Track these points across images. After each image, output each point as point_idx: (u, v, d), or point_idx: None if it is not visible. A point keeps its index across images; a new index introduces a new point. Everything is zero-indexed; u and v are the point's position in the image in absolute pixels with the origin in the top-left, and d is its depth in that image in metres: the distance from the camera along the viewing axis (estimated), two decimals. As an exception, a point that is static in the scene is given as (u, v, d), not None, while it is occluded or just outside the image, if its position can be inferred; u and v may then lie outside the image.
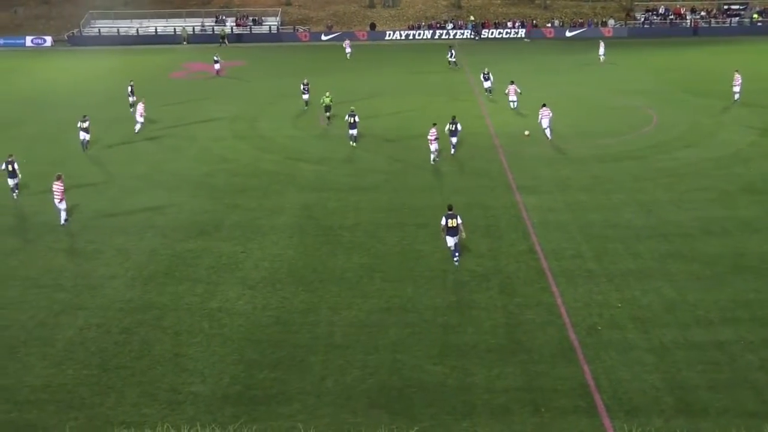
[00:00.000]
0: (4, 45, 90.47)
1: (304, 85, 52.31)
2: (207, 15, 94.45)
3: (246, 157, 41.33)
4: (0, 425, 17.87)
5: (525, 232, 29.47)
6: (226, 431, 15.67)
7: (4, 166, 34.46)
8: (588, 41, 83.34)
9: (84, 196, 34.84)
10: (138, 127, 46.27)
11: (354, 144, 42.88)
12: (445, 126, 39.83)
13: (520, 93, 50.62)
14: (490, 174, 37.02)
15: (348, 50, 78.42)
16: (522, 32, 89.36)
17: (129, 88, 53.32)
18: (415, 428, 17.18)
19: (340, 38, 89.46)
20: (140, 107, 46.87)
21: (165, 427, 16.00)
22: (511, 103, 50.74)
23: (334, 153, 41.57)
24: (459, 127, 40.38)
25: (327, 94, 46.76)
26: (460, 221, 26.27)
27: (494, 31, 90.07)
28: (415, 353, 21.04)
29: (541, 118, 42.69)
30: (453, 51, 70.05)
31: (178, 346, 21.64)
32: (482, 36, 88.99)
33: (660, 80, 61.84)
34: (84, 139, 43.09)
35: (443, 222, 26.43)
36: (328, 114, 46.81)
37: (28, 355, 21.28)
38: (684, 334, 21.63)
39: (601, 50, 70.99)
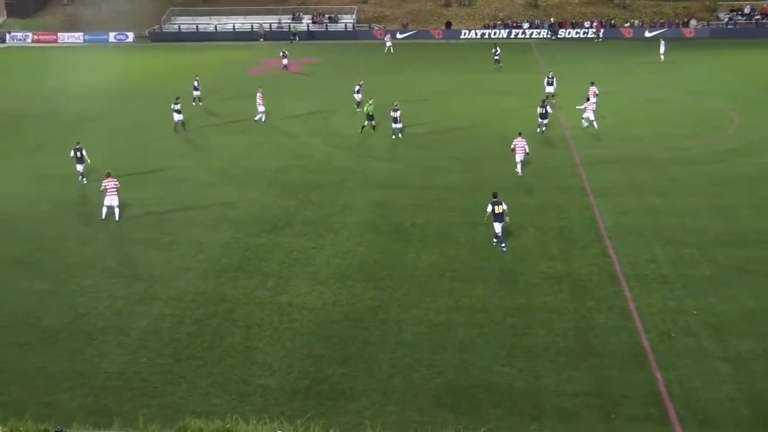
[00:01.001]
0: (89, 40, 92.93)
1: (359, 86, 52.01)
2: (284, 12, 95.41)
3: (319, 153, 41.65)
4: (77, 409, 18.39)
5: (598, 235, 29.01)
6: (294, 425, 15.81)
7: (72, 153, 36.34)
8: (668, 42, 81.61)
9: (160, 189, 35.62)
10: (260, 116, 48.28)
11: (400, 136, 43.72)
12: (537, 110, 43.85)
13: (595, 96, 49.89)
14: (563, 175, 36.54)
15: (388, 44, 79.91)
16: (600, 32, 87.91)
17: (195, 83, 54.58)
18: (482, 429, 17.09)
19: (416, 36, 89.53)
20: (259, 97, 48.59)
21: (234, 418, 16.21)
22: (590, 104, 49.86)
23: (407, 151, 41.57)
24: (549, 110, 44.37)
25: (370, 101, 46.13)
26: (505, 207, 27.59)
27: (571, 30, 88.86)
28: (484, 354, 20.92)
29: (587, 110, 44.56)
30: (498, 49, 69.47)
31: (249, 339, 21.95)
32: (559, 36, 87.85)
33: (743, 82, 60.04)
34: (178, 120, 46.26)
35: (489, 209, 27.63)
36: (372, 123, 44.87)
37: (105, 342, 21.85)
38: (762, 344, 21.00)
39: (662, 49, 69.87)
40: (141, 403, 18.78)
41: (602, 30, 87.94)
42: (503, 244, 27.71)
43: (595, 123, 44.59)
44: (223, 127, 47.79)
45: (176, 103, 46.27)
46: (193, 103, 53.18)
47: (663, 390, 19.02)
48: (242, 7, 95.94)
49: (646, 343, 21.22)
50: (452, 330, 22.24)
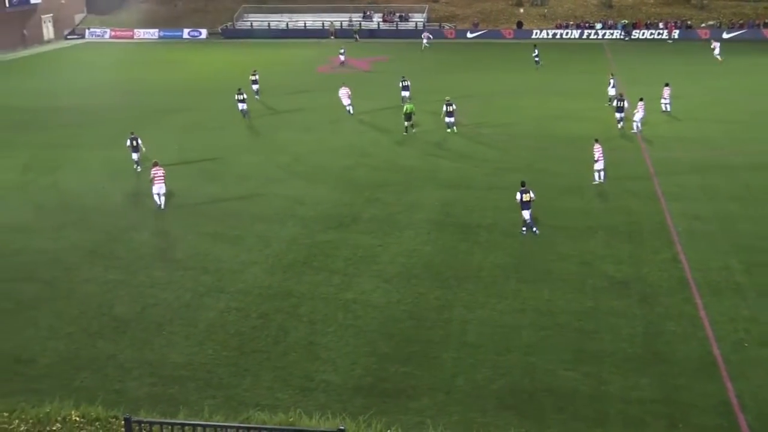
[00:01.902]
0: (164, 37, 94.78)
1: (402, 81, 51.65)
2: (355, 10, 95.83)
3: (386, 151, 41.72)
4: (144, 397, 18.75)
5: (669, 240, 28.42)
6: (356, 421, 15.85)
7: (128, 143, 38.00)
8: (745, 43, 79.61)
9: (229, 184, 36.13)
10: (349, 108, 50.00)
11: (454, 130, 44.71)
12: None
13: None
14: (634, 178, 35.90)
15: (425, 42, 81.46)
16: (675, 33, 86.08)
17: (254, 77, 56.06)
18: (545, 433, 16.90)
19: (487, 35, 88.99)
20: (344, 93, 50.46)
21: (297, 412, 16.33)
22: (663, 105, 49.04)
23: (473, 151, 41.37)
24: (626, 104, 44.74)
25: (410, 101, 45.95)
26: (533, 195, 29.05)
27: (645, 31, 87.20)
28: (548, 357, 20.67)
29: (638, 111, 43.70)
30: (537, 50, 69.40)
31: (313, 334, 22.09)
32: (632, 37, 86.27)
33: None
34: (242, 109, 49.07)
35: (518, 197, 29.11)
36: (409, 123, 44.64)
37: (173, 333, 22.24)
38: (839, 357, 20.30)
39: (717, 50, 69.40)
40: (206, 394, 19.06)
41: (675, 31, 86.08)
42: (534, 228, 29.29)
43: (637, 125, 43.88)
44: (291, 124, 48.23)
45: (239, 94, 49.20)
46: (256, 97, 54.50)
47: (734, 401, 18.51)
48: (314, 5, 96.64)
49: (717, 352, 20.69)
50: (517, 332, 22.04)
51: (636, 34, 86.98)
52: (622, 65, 67.41)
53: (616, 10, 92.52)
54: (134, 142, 38.09)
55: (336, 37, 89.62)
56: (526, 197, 28.92)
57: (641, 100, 44.38)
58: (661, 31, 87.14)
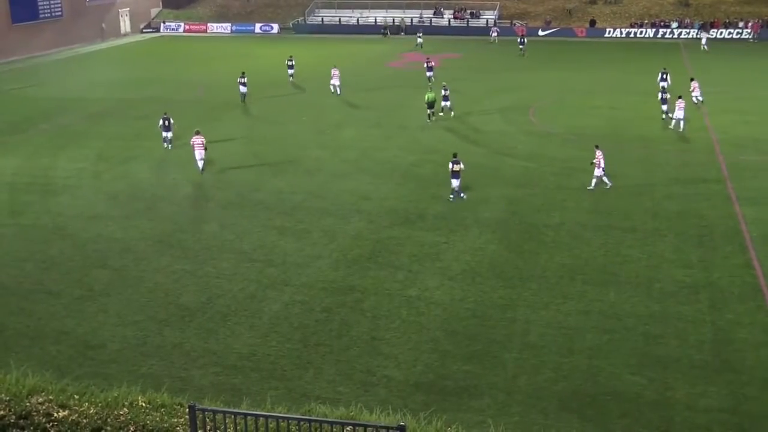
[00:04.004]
0: (236, 31, 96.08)
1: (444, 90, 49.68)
2: (426, 7, 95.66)
3: (454, 148, 41.47)
4: (208, 386, 19.06)
5: (742, 245, 27.71)
6: (417, 418, 15.81)
7: (160, 123, 41.09)
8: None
9: (295, 178, 36.45)
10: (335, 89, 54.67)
11: (451, 113, 47.76)
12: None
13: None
14: (707, 181, 35.08)
15: (494, 35, 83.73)
16: (756, 33, 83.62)
17: (290, 62, 60.89)
18: (608, 438, 16.64)
19: (559, 33, 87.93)
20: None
21: (358, 406, 16.38)
22: (694, 98, 49.21)
23: (543, 150, 40.95)
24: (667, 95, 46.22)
25: (431, 89, 46.02)
26: (462, 166, 32.27)
27: (723, 30, 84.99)
28: (613, 361, 20.35)
29: (677, 110, 43.20)
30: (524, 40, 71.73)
31: (376, 329, 22.15)
32: (710, 36, 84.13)
33: None
34: (243, 92, 53.00)
35: (450, 166, 32.37)
36: (431, 111, 46.14)
37: (238, 324, 22.55)
38: None
39: (703, 41, 73.88)
40: (269, 385, 19.27)
41: (759, 30, 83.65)
42: (462, 194, 32.75)
43: (682, 123, 43.44)
44: (359, 119, 48.40)
45: (242, 77, 52.92)
46: (290, 79, 59.22)
47: (805, 412, 17.98)
48: (384, 1, 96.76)
49: (788, 361, 20.12)
50: (581, 334, 21.75)
51: (714, 33, 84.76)
52: (697, 65, 65.96)
53: (694, 8, 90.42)
54: (166, 122, 41.30)
55: (406, 34, 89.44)
56: (456, 168, 32.14)
57: (680, 98, 43.78)
58: (740, 30, 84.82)
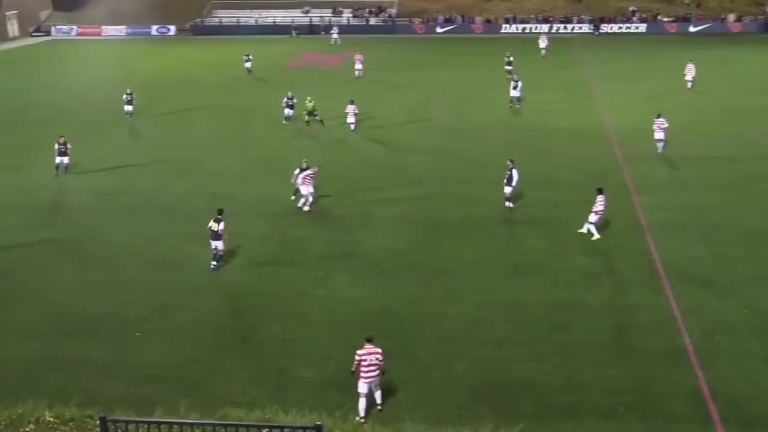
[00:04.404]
0: (132, 33, 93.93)
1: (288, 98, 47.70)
2: (324, 6, 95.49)
3: (360, 147, 41.69)
4: (119, 397, 18.54)
5: (640, 233, 28.73)
6: (333, 416, 15.89)
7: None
8: (713, 37, 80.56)
9: (200, 182, 35.92)
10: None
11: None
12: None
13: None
14: (605, 172, 36.16)
15: (335, 36, 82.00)
16: (643, 27, 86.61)
17: (245, 57, 63.49)
18: (520, 425, 17.03)
19: (456, 30, 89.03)
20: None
21: (274, 408, 16.33)
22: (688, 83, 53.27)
23: (444, 145, 41.50)
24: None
25: (309, 99, 45.93)
26: (222, 227, 25.91)
27: (614, 25, 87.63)
28: (522, 350, 20.85)
29: (656, 130, 38.44)
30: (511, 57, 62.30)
31: (287, 330, 22.11)
32: (601, 31, 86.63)
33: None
34: (128, 110, 47.86)
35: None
36: (308, 119, 45.12)
37: (147, 332, 22.14)
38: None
39: (543, 44, 71.26)
40: (182, 392, 18.95)
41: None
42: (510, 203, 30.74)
43: (660, 144, 38.67)
44: (261, 118, 48.06)
45: (128, 94, 48.10)
46: (249, 74, 58.69)
47: (705, 390, 18.75)
48: (283, 0, 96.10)
49: (687, 341, 20.96)
50: (490, 325, 22.19)
51: (604, 28, 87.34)
52: (589, 57, 68.00)
53: (584, 4, 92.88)
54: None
55: (298, 35, 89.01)
56: (214, 227, 26.01)
57: (659, 116, 38.87)
58: (629, 26, 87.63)
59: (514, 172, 30.45)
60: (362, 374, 17.67)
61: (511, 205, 30.87)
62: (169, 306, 23.71)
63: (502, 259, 26.80)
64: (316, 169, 31.97)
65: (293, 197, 32.23)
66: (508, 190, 30.66)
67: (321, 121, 44.87)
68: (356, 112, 44.32)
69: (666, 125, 38.41)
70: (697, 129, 43.75)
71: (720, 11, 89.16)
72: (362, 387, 17.71)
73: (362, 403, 17.68)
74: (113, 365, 20.36)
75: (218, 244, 26.11)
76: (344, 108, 44.35)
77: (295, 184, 31.82)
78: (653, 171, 36.07)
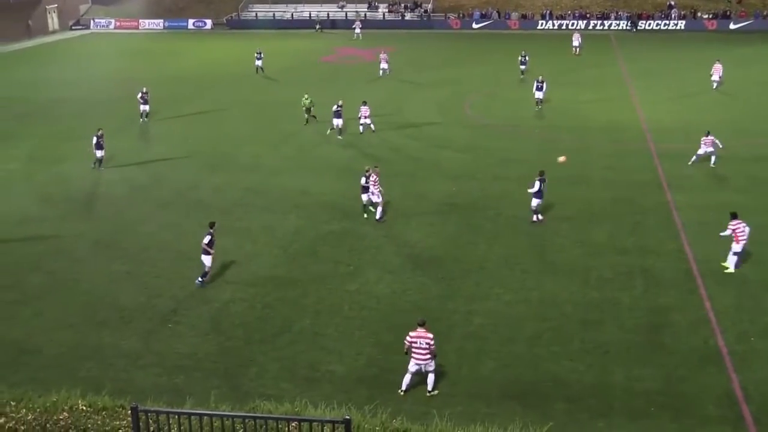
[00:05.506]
0: (169, 27, 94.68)
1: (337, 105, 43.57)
2: (359, 0, 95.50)
3: (393, 143, 41.65)
4: (150, 387, 18.73)
5: (674, 231, 28.41)
6: (362, 411, 15.86)
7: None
8: (754, 34, 79.33)
9: (233, 175, 36.15)
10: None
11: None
12: None
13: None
14: (639, 169, 35.85)
15: (357, 31, 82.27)
16: (682, 24, 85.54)
17: (257, 54, 61.80)
18: (550, 423, 16.89)
19: (492, 26, 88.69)
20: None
21: (303, 402, 16.35)
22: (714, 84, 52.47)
23: (480, 142, 41.37)
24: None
25: (306, 96, 45.66)
26: (206, 241, 24.76)
27: (652, 22, 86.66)
28: (552, 348, 20.71)
29: (703, 145, 35.90)
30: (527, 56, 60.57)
31: (318, 325, 22.14)
32: (638, 28, 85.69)
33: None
34: (143, 111, 46.55)
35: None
36: (307, 116, 45.23)
37: (178, 323, 22.32)
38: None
39: (576, 42, 69.61)
40: (212, 383, 19.11)
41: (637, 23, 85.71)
42: (538, 215, 29.53)
43: (713, 158, 36.00)
44: (296, 116, 48.17)
45: (145, 93, 46.58)
46: (257, 72, 56.05)
47: (738, 392, 18.47)
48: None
49: (721, 343, 20.67)
50: (521, 323, 22.07)
51: (642, 25, 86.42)
52: (627, 55, 67.35)
53: (622, 0, 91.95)
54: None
55: (321, 29, 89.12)
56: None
57: (708, 134, 36.22)
58: (667, 22, 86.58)
59: (543, 185, 29.01)
60: (413, 355, 18.57)
61: (540, 217, 29.54)
62: (200, 298, 23.86)
63: (533, 257, 26.64)
64: (377, 170, 30.69)
65: (365, 215, 30.43)
66: (535, 202, 29.21)
67: (314, 116, 45.10)
68: (367, 114, 42.62)
69: (716, 142, 35.59)
70: (736, 128, 43.04)
71: (761, 8, 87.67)
72: (412, 366, 18.66)
73: (407, 379, 18.74)
74: (144, 356, 20.56)
75: (204, 259, 24.59)
76: (360, 108, 42.84)
77: (363, 198, 30.22)
78: (689, 169, 35.62)
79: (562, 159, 32.37)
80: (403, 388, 18.74)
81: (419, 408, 17.94)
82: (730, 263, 24.97)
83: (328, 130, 42.61)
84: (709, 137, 35.85)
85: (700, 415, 17.76)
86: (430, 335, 18.53)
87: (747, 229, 24.94)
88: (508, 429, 15.92)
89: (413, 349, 18.53)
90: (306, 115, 45.40)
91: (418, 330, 18.57)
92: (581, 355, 20.31)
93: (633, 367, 19.71)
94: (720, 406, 18.06)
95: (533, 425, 16.79)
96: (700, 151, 35.96)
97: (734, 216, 25.31)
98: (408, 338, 18.58)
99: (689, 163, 36.11)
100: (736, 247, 24.81)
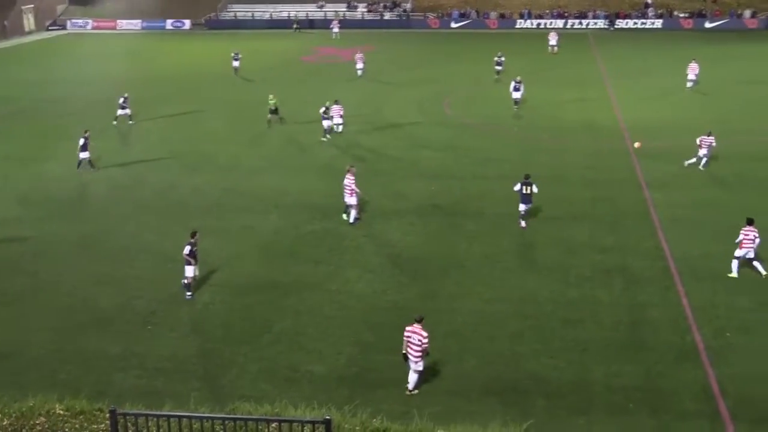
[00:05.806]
0: (147, 27, 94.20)
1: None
2: (338, 0, 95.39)
3: (372, 142, 41.65)
4: (129, 390, 18.67)
5: (652, 229, 28.60)
6: (342, 411, 15.86)
7: (81, 142, 36.17)
8: (729, 33, 80.00)
9: (213, 176, 36.03)
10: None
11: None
12: None
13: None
14: (617, 168, 36.04)
15: (335, 30, 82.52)
16: (659, 23, 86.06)
17: (234, 55, 61.55)
18: (530, 420, 16.93)
19: (472, 26, 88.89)
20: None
21: (283, 403, 16.32)
22: (689, 83, 52.48)
23: (460, 141, 41.44)
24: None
25: (271, 96, 45.66)
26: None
27: (629, 21, 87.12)
28: (533, 345, 20.80)
29: (701, 146, 35.22)
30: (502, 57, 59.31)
31: (298, 325, 22.13)
32: (616, 26, 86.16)
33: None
34: (123, 114, 45.75)
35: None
36: (270, 117, 44.88)
37: (158, 325, 22.23)
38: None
39: (552, 41, 69.80)
40: (191, 385, 19.06)
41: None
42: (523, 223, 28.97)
43: (704, 161, 35.43)
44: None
45: (124, 100, 45.79)
46: (235, 73, 56.53)
47: (715, 387, 18.65)
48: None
49: (698, 339, 20.86)
50: (502, 321, 22.15)
51: (620, 23, 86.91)
52: (605, 53, 67.70)
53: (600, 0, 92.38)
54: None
55: (299, 29, 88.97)
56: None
57: (710, 134, 35.55)
58: (644, 21, 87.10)
59: (534, 188, 28.49)
60: (407, 349, 18.76)
61: (523, 224, 28.83)
62: (180, 300, 23.76)
63: (514, 255, 26.75)
64: (353, 170, 29.94)
65: (345, 215, 30.00)
66: (522, 207, 28.68)
67: (281, 118, 44.82)
68: (341, 113, 42.43)
69: (713, 143, 35.09)
70: (713, 126, 43.19)
71: (736, 7, 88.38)
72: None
73: (409, 376, 18.86)
74: (124, 358, 20.47)
75: (186, 270, 23.73)
76: (332, 108, 42.36)
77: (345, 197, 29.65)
78: (666, 167, 35.83)
79: (637, 145, 32.72)
80: (410, 387, 18.87)
81: (399, 407, 17.95)
82: (733, 268, 24.59)
83: (322, 138, 41.81)
84: (710, 137, 35.15)
85: (677, 410, 17.91)
86: (425, 333, 18.58)
87: (757, 240, 24.46)
88: (488, 426, 15.97)
89: (407, 344, 18.72)
90: (269, 116, 44.99)
91: (414, 325, 18.72)
92: (561, 353, 20.42)
93: (612, 364, 19.84)
94: (697, 401, 18.23)
95: (513, 422, 16.81)
96: (701, 152, 35.12)
97: (749, 222, 24.87)
98: (405, 331, 18.80)
99: (686, 164, 35.52)
100: (739, 252, 24.61)
